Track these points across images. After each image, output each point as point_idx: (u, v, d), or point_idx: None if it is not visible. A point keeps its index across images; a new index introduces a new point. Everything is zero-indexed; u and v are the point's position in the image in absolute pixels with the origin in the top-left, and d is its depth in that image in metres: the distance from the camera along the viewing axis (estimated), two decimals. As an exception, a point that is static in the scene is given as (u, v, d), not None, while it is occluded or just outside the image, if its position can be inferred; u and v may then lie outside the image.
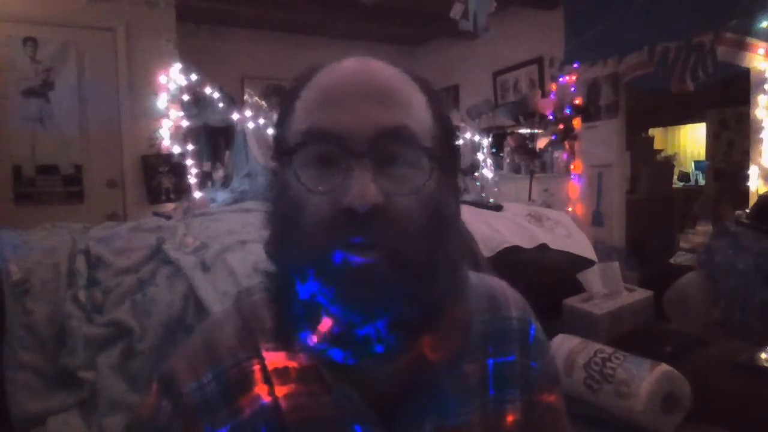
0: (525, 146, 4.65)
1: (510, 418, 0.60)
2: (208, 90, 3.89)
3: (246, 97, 5.14)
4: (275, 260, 0.53)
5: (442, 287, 0.51)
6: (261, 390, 0.52)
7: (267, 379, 0.52)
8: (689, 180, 7.11)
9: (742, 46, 3.07)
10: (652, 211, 5.00)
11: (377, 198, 0.46)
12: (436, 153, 0.50)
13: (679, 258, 3.05)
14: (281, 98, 0.56)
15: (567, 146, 4.28)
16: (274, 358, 0.53)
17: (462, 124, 4.71)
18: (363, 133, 0.47)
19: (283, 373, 0.52)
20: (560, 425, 0.67)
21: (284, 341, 0.53)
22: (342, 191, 0.46)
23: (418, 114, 0.51)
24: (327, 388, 0.51)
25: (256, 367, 0.53)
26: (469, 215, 2.05)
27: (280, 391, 0.52)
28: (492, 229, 2.16)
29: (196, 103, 3.94)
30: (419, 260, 0.48)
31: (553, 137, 4.37)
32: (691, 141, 7.74)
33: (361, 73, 0.51)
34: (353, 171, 0.46)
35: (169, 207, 3.68)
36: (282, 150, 0.51)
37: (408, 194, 0.47)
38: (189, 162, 3.83)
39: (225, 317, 0.58)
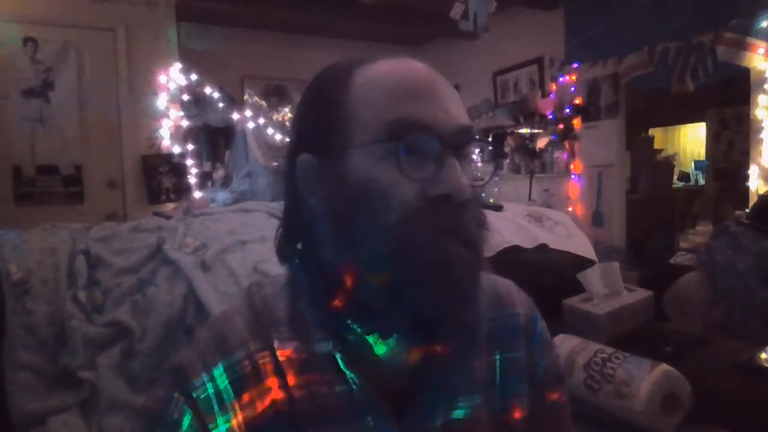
0: (525, 146, 4.65)
1: (516, 414, 0.61)
2: (208, 90, 3.89)
3: (246, 97, 5.13)
4: (341, 248, 0.51)
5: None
6: (273, 381, 0.52)
7: (279, 371, 0.52)
8: (689, 180, 7.10)
9: (742, 46, 3.08)
10: (652, 211, 5.01)
11: (470, 188, 0.48)
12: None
13: (679, 258, 3.05)
14: (317, 94, 0.54)
15: (567, 146, 4.28)
16: (287, 350, 0.53)
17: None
18: (451, 127, 0.49)
19: (296, 364, 0.52)
20: (564, 423, 0.67)
21: (299, 332, 0.53)
22: (435, 180, 0.47)
23: None
24: (339, 380, 0.52)
25: (268, 359, 0.53)
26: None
27: (293, 381, 0.52)
28: (492, 229, 2.16)
29: (196, 103, 3.94)
30: (481, 250, 0.51)
31: (553, 137, 4.37)
32: (691, 141, 7.73)
33: (431, 72, 0.52)
34: (446, 161, 0.48)
35: (169, 207, 3.68)
36: (348, 140, 0.50)
37: (481, 187, 0.51)
38: (189, 162, 3.85)
39: (235, 311, 0.57)
